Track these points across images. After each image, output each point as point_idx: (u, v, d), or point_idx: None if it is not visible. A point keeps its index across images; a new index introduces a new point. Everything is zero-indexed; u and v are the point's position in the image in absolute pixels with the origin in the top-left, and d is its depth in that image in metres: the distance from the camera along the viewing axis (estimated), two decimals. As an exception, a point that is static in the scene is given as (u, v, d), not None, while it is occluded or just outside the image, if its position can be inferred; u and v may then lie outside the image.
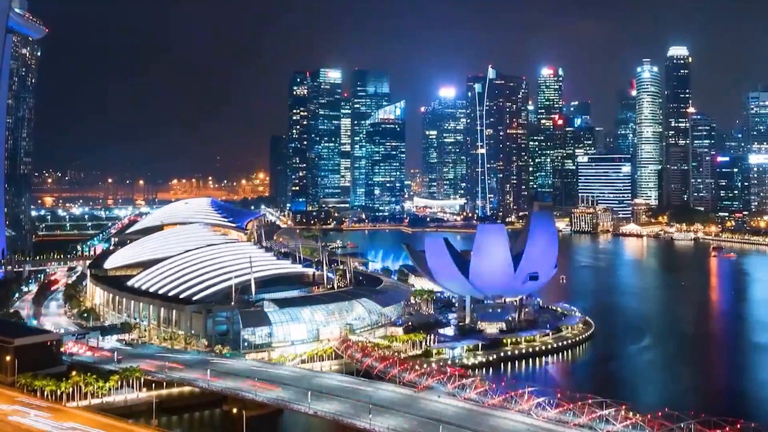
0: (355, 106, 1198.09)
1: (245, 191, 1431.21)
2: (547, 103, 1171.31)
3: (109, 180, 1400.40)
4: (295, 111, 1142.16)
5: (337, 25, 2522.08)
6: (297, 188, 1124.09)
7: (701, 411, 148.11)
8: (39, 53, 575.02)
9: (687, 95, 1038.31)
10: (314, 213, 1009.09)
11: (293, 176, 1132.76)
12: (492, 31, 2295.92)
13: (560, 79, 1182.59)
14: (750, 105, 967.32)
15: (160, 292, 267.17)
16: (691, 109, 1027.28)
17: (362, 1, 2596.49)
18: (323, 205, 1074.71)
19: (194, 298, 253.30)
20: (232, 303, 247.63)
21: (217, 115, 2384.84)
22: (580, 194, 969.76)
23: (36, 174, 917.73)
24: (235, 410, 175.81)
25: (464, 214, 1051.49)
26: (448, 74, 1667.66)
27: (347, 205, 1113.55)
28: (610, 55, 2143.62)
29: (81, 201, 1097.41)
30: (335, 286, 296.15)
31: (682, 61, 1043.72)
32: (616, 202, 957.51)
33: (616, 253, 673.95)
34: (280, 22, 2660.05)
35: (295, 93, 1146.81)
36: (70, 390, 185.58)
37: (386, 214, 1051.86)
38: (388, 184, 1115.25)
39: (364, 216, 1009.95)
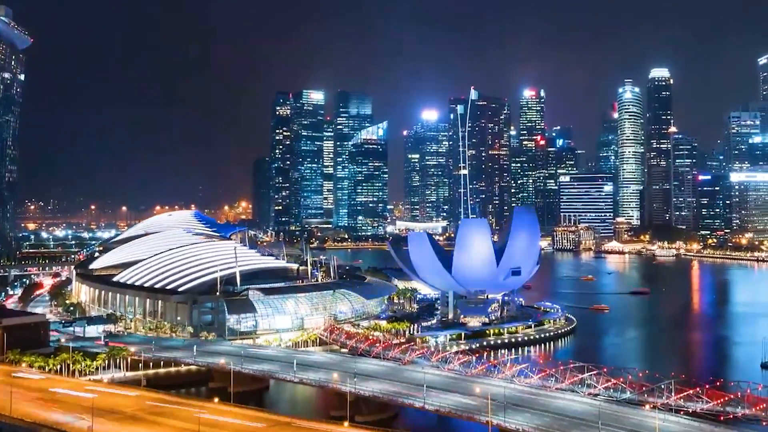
0: (338, 127, 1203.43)
1: (228, 217, 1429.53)
2: (529, 124, 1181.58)
3: (92, 207, 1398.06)
4: (278, 131, 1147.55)
5: (320, 48, 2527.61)
6: (280, 208, 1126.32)
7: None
8: (23, 76, 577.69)
9: (668, 116, 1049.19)
10: (297, 232, 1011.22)
11: (276, 196, 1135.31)
12: (474, 54, 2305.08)
13: (542, 100, 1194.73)
14: (731, 124, 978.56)
15: (146, 285, 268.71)
16: (673, 129, 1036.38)
17: (345, 22, 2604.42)
18: (306, 225, 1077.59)
19: (179, 290, 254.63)
20: (218, 294, 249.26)
21: (201, 142, 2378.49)
22: (562, 213, 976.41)
23: (15, 207, 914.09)
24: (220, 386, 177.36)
25: (447, 234, 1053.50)
26: (431, 97, 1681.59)
27: (330, 226, 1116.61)
28: (592, 80, 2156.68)
29: (64, 225, 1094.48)
30: (319, 281, 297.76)
31: (663, 83, 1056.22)
32: (598, 221, 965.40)
33: (598, 267, 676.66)
34: (263, 45, 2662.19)
35: (278, 113, 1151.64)
36: (58, 367, 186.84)
37: (369, 234, 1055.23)
38: (370, 204, 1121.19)
39: (346, 236, 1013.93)
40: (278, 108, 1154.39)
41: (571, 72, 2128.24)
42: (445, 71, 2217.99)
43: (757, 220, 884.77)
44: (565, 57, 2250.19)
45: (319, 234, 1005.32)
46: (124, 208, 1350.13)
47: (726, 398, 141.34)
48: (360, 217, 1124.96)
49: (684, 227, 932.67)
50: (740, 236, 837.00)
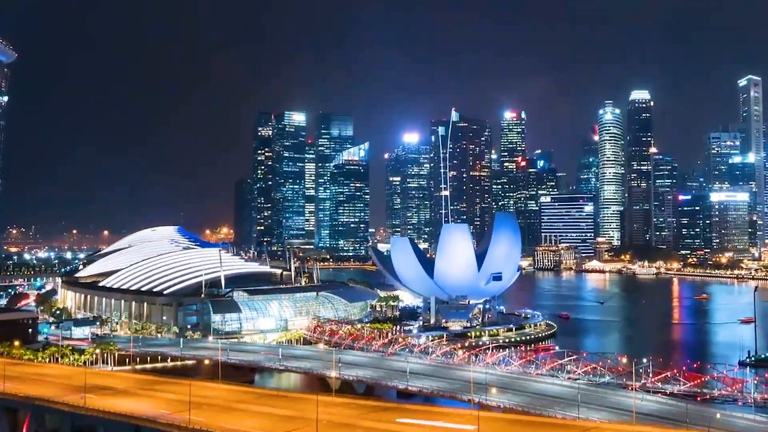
0: (319, 148, 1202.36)
1: (210, 241, 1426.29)
2: (510, 145, 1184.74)
3: (74, 231, 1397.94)
4: (260, 152, 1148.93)
5: (302, 70, 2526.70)
6: (262, 228, 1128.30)
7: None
8: (6, 97, 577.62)
9: (649, 138, 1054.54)
10: (279, 253, 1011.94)
11: (258, 216, 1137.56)
12: (455, 77, 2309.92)
13: (523, 122, 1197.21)
14: (711, 145, 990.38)
15: (132, 289, 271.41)
16: (653, 150, 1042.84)
17: (327, 45, 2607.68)
18: (288, 246, 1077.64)
19: (165, 292, 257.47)
20: (202, 296, 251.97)
21: (183, 165, 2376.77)
22: (543, 233, 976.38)
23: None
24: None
25: (428, 255, 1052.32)
26: (412, 120, 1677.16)
27: (312, 247, 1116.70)
28: (573, 103, 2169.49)
29: (46, 248, 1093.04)
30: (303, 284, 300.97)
31: (644, 105, 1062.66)
32: (579, 241, 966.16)
33: (579, 284, 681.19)
34: (244, 66, 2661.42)
35: (260, 134, 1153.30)
36: (47, 360, 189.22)
37: (350, 254, 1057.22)
38: (352, 225, 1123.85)
39: (328, 256, 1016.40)
40: (260, 129, 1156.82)
41: (552, 94, 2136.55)
42: (426, 94, 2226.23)
43: (737, 240, 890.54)
44: (545, 79, 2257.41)
45: (300, 254, 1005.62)
46: (105, 232, 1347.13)
47: (702, 379, 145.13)
48: (342, 241, 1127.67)
49: (664, 247, 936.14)
50: (720, 255, 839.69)
